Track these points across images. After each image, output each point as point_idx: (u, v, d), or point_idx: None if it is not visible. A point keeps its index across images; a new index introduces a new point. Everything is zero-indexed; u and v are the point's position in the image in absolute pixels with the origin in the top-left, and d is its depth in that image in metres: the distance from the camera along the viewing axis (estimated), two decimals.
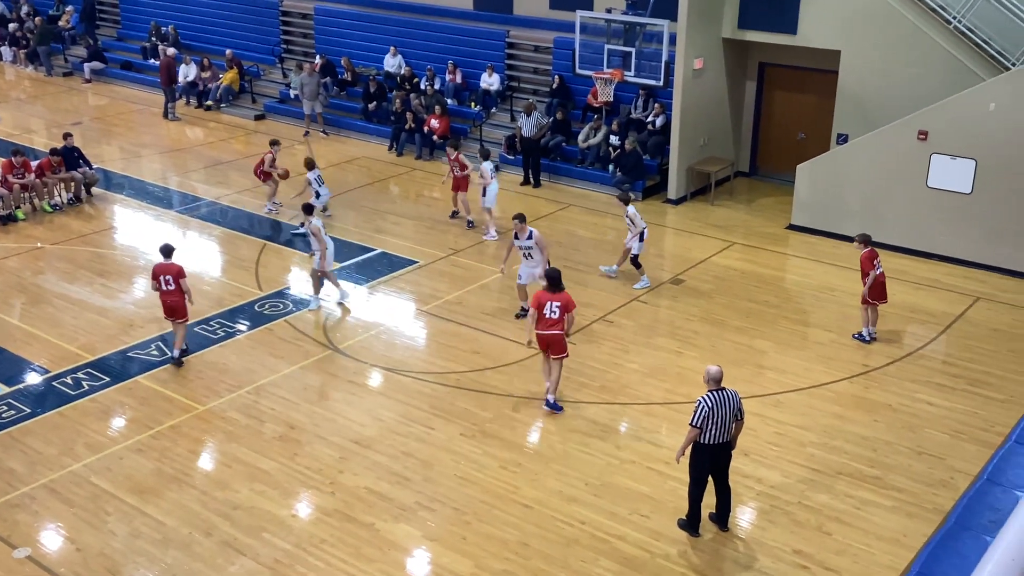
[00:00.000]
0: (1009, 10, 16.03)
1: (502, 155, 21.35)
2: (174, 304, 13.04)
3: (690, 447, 9.54)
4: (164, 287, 12.95)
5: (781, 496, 10.45)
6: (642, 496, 10.44)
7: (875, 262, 13.40)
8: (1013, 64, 15.99)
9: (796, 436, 11.53)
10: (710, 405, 9.29)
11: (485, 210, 17.46)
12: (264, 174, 18.62)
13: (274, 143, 18.69)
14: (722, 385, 9.46)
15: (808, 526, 9.98)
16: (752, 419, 11.75)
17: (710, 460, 9.55)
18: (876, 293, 13.53)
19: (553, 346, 11.80)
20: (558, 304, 11.65)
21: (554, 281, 11.83)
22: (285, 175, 18.79)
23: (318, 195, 17.54)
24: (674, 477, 10.49)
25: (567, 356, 11.99)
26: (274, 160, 18.43)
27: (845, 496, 10.43)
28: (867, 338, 13.70)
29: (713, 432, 9.36)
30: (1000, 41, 16.32)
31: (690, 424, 9.39)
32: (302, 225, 15.78)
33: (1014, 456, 10.08)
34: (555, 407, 12.01)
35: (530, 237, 13.83)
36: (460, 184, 17.88)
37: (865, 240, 13.53)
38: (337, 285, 14.97)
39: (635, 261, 15.53)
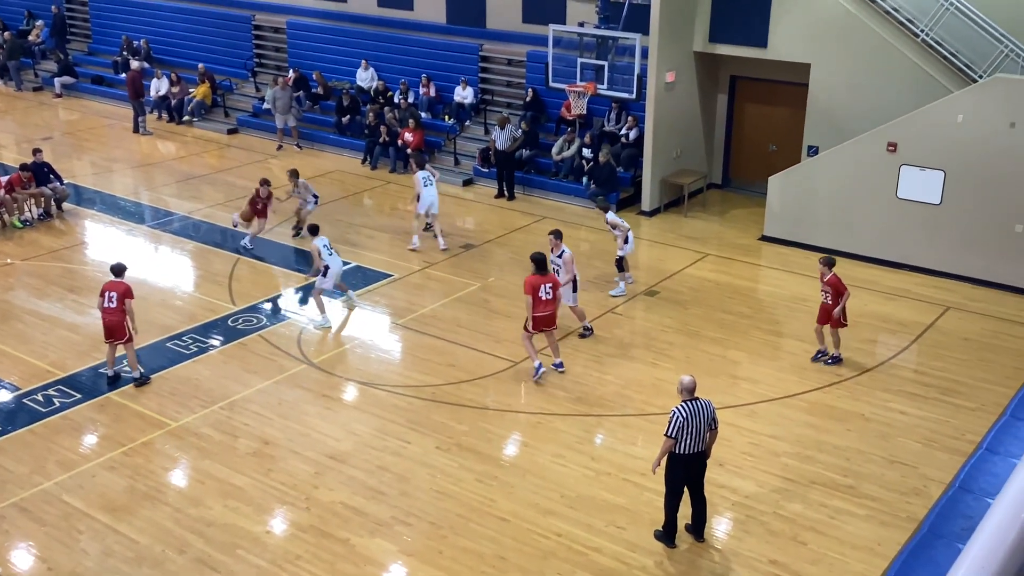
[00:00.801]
0: (975, 23, 16.26)
1: (476, 168, 21.38)
2: (111, 323, 12.67)
3: (665, 457, 9.57)
4: (106, 303, 12.63)
5: (756, 506, 10.49)
6: (618, 508, 10.45)
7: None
8: (980, 76, 16.22)
9: (770, 446, 11.59)
10: (685, 415, 9.33)
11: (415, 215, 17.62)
12: (258, 211, 17.63)
13: (265, 183, 17.67)
14: (696, 395, 9.51)
15: (783, 536, 10.03)
16: (726, 429, 11.80)
17: (685, 470, 9.58)
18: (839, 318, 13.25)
19: (550, 323, 12.89)
20: (550, 285, 12.68)
21: (540, 264, 12.75)
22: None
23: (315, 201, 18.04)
24: (650, 488, 10.51)
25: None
26: (269, 197, 17.61)
27: (819, 505, 10.49)
28: (831, 360, 13.52)
29: (688, 442, 9.39)
30: (967, 54, 16.54)
31: (665, 435, 9.42)
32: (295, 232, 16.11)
33: (985, 464, 10.20)
34: (560, 365, 13.24)
35: (561, 255, 13.79)
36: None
37: (831, 263, 13.25)
38: (322, 310, 14.85)
39: (620, 263, 15.64)
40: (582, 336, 14.29)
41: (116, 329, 12.76)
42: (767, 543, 9.92)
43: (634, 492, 10.69)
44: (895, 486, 10.81)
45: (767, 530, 10.11)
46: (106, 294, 12.70)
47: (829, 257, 13.45)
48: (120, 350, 13.03)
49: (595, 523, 10.21)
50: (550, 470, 11.14)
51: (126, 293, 12.71)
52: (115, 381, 13.01)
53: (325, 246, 14.84)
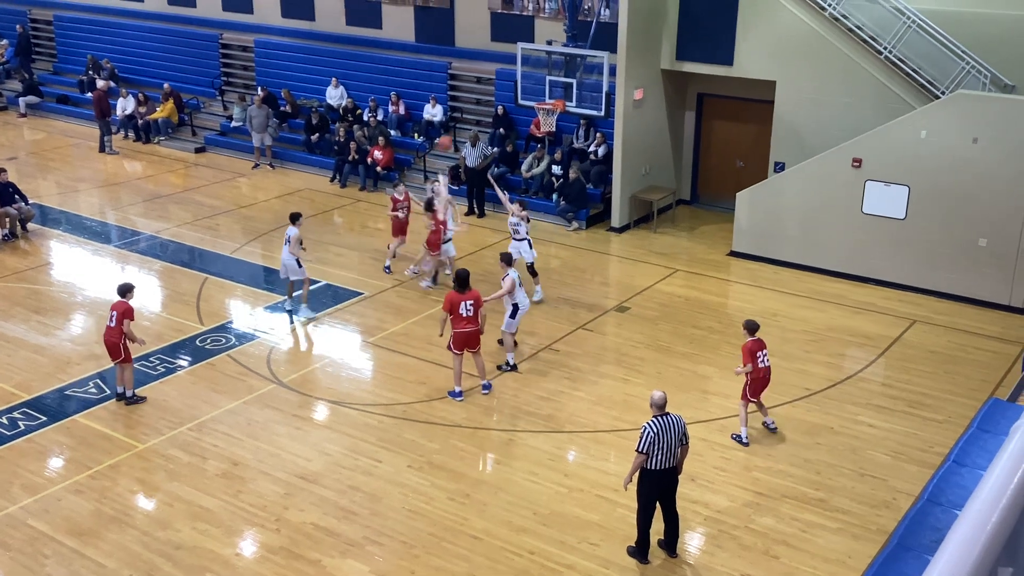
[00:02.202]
0: (937, 41, 16.52)
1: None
2: (109, 343, 12.72)
3: (637, 473, 9.58)
4: (108, 322, 12.72)
5: (728, 520, 10.52)
6: (591, 524, 10.43)
7: (758, 354, 11.72)
8: (942, 93, 16.46)
9: (741, 460, 11.64)
10: (655, 431, 9.34)
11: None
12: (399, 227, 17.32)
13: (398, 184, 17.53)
14: (666, 410, 9.53)
15: (755, 550, 10.06)
16: (698, 444, 11.84)
17: (657, 485, 9.59)
18: (755, 389, 11.93)
19: (472, 341, 12.63)
20: (471, 302, 12.42)
21: (463, 281, 12.52)
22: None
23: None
24: (623, 504, 10.51)
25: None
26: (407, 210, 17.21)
27: (791, 519, 10.54)
28: (745, 440, 12.01)
29: (659, 457, 9.40)
30: (929, 70, 16.79)
31: (636, 450, 9.44)
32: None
33: (953, 476, 10.28)
34: (489, 386, 13.06)
35: (504, 277, 13.65)
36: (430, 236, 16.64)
37: (752, 328, 11.92)
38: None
39: (531, 269, 16.05)
40: (500, 368, 13.73)
41: (112, 348, 12.73)
42: (739, 557, 9.94)
43: (607, 508, 10.69)
44: (865, 499, 10.89)
45: (739, 544, 10.14)
46: (110, 312, 12.71)
47: (750, 321, 12.07)
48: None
49: (568, 540, 10.19)
50: (523, 487, 11.11)
51: (125, 313, 12.61)
52: (129, 399, 12.95)
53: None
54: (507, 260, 13.77)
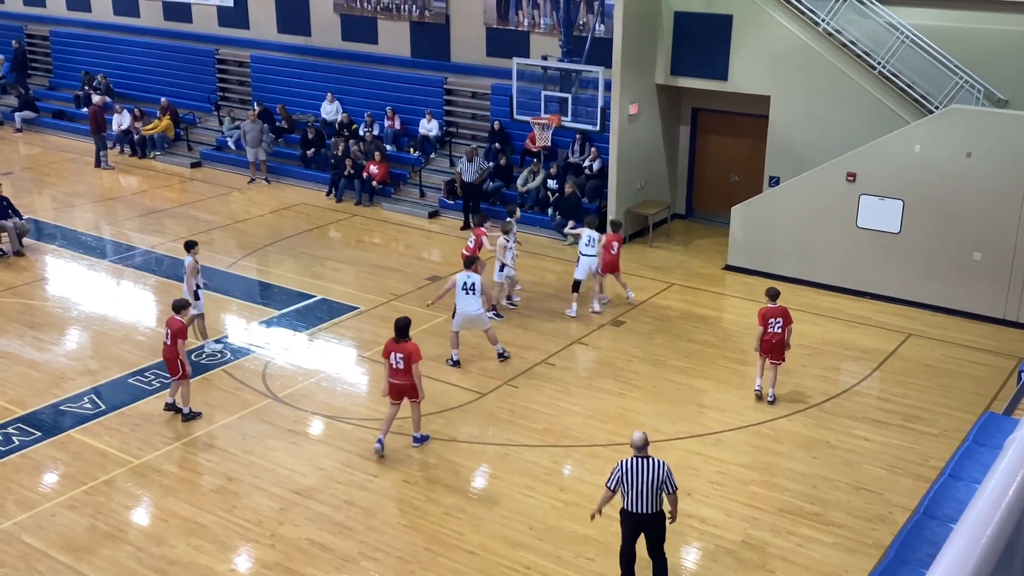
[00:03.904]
0: (931, 56, 16.61)
1: (441, 200, 21.43)
2: (166, 359, 12.75)
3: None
4: (165, 339, 12.70)
5: (724, 535, 10.50)
6: (587, 539, 10.41)
7: (770, 320, 12.99)
8: (936, 107, 16.54)
9: (737, 474, 11.63)
10: (624, 470, 8.93)
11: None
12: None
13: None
14: (647, 454, 9.02)
15: (751, 564, 10.04)
16: (693, 458, 11.85)
17: (632, 528, 9.18)
18: (763, 348, 13.17)
19: (403, 393, 11.80)
20: (402, 356, 11.55)
21: (400, 330, 11.68)
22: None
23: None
24: (618, 519, 10.47)
25: (422, 399, 11.97)
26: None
27: (787, 533, 10.53)
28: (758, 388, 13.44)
29: (632, 499, 8.98)
30: (923, 85, 16.88)
31: (606, 485, 9.16)
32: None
33: (949, 490, 10.27)
34: (422, 439, 12.23)
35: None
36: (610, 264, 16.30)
37: (772, 295, 13.17)
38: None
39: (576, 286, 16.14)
40: (502, 356, 14.33)
41: (168, 363, 12.73)
42: (735, 572, 9.92)
43: (603, 523, 10.64)
44: (861, 513, 10.88)
45: (735, 559, 10.12)
46: (166, 329, 12.69)
47: (772, 288, 13.35)
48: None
49: (564, 555, 10.17)
50: (518, 502, 11.09)
51: (178, 332, 12.53)
52: (172, 409, 12.97)
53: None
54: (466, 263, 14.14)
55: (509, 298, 16.49)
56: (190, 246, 14.73)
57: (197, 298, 14.47)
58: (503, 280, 16.09)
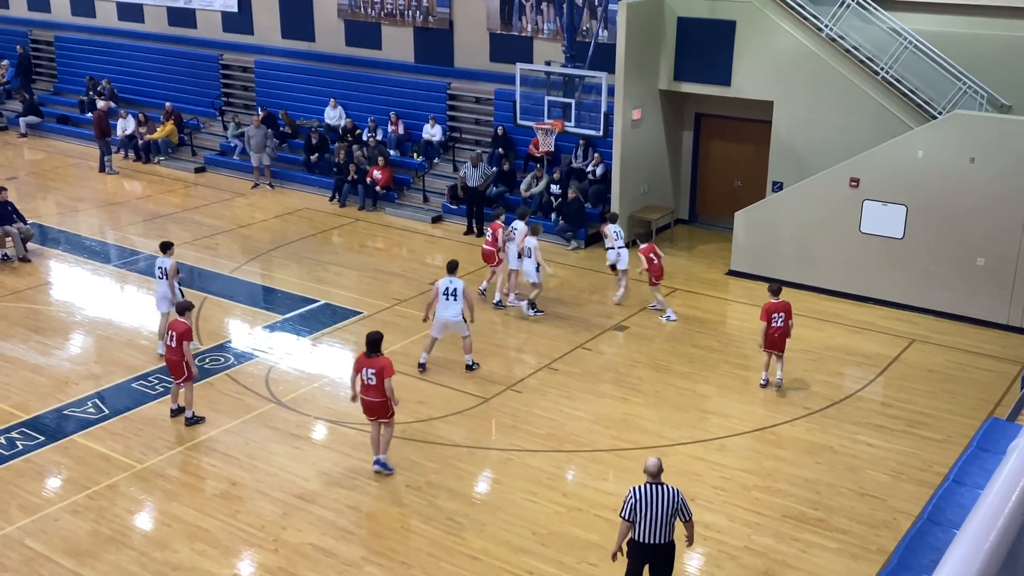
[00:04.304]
0: (934, 61, 16.61)
1: (445, 205, 21.45)
2: (170, 362, 12.78)
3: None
4: (168, 342, 12.75)
5: (727, 541, 10.49)
6: (590, 544, 10.40)
7: (773, 314, 13.46)
8: (939, 113, 16.54)
9: (740, 480, 11.61)
10: (637, 497, 8.53)
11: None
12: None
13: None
14: (661, 480, 8.62)
15: (755, 570, 10.02)
16: (697, 464, 11.84)
17: (642, 558, 8.75)
18: (767, 342, 13.68)
19: (375, 411, 11.40)
20: (373, 371, 11.20)
21: (372, 344, 11.31)
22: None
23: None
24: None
25: (392, 417, 11.53)
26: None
27: (791, 539, 10.51)
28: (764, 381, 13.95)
29: (646, 529, 8.55)
30: (926, 91, 16.88)
31: (620, 516, 8.77)
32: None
33: (953, 496, 10.26)
34: (385, 467, 11.66)
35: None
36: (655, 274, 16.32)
37: (775, 291, 13.72)
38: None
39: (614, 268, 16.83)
40: (470, 368, 14.27)
41: (173, 367, 12.75)
42: None
43: (606, 528, 10.65)
44: (865, 519, 10.86)
45: (739, 564, 10.10)
46: (170, 332, 12.72)
47: (774, 284, 14.03)
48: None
49: (567, 560, 10.16)
50: (521, 507, 11.08)
51: (183, 334, 12.57)
52: (179, 413, 13.02)
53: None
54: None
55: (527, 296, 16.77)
56: (167, 247, 14.67)
57: (181, 295, 14.50)
58: (539, 280, 16.24)
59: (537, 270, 16.02)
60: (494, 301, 16.81)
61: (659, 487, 8.55)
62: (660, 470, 8.62)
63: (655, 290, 16.39)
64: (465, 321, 14.07)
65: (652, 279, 16.18)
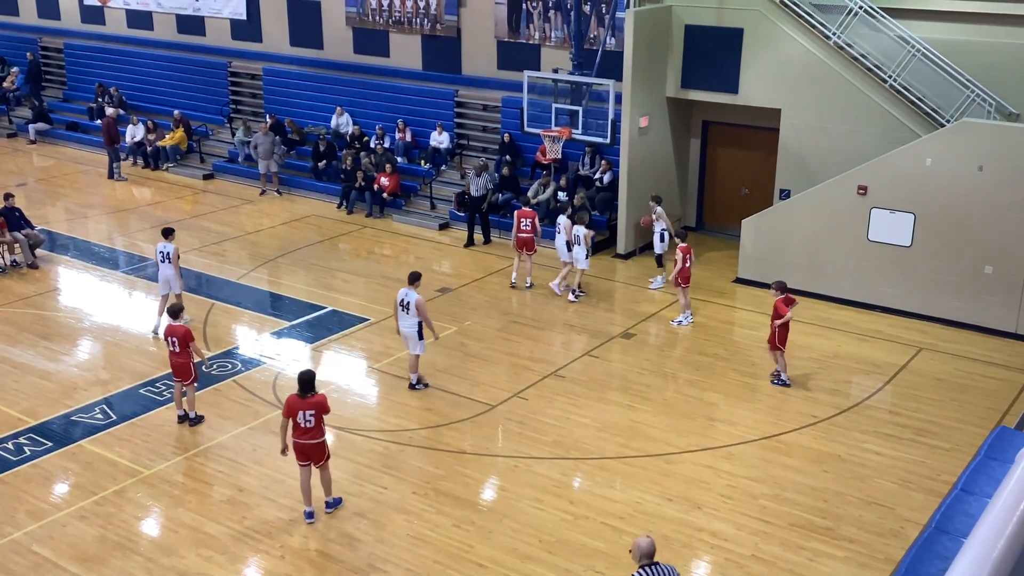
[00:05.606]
0: (942, 69, 16.59)
1: (452, 212, 21.46)
2: (176, 364, 12.88)
3: None
4: (170, 347, 12.84)
5: (735, 549, 10.46)
6: (597, 552, 10.38)
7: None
8: (947, 121, 16.51)
9: (748, 488, 11.59)
10: None
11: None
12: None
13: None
14: (655, 560, 7.83)
15: None
16: (704, 472, 11.82)
17: None
18: (784, 337, 14.09)
19: (312, 455, 10.74)
20: (312, 412, 10.56)
21: (304, 385, 10.58)
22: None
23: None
24: (628, 532, 10.46)
25: (328, 460, 10.98)
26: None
27: (798, 548, 10.48)
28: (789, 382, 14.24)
29: None
30: (934, 99, 16.85)
31: None
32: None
33: (961, 504, 10.22)
34: (336, 502, 11.16)
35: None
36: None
37: (781, 287, 14.06)
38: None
39: (659, 260, 17.76)
40: (412, 387, 13.93)
41: (179, 369, 12.88)
42: None
43: (613, 536, 10.64)
44: (872, 527, 10.82)
45: (746, 573, 10.07)
46: (168, 338, 12.83)
47: (780, 281, 14.24)
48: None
49: (574, 568, 10.14)
50: (528, 514, 11.07)
51: (185, 336, 12.71)
52: (184, 419, 13.10)
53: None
54: (413, 278, 13.91)
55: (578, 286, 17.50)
56: (168, 232, 15.53)
57: (181, 277, 15.30)
58: (588, 266, 17.56)
59: (586, 256, 17.29)
60: (525, 285, 17.80)
61: (657, 567, 7.77)
62: (654, 550, 7.85)
63: (682, 292, 16.32)
64: (421, 338, 13.74)
65: (679, 280, 16.18)
